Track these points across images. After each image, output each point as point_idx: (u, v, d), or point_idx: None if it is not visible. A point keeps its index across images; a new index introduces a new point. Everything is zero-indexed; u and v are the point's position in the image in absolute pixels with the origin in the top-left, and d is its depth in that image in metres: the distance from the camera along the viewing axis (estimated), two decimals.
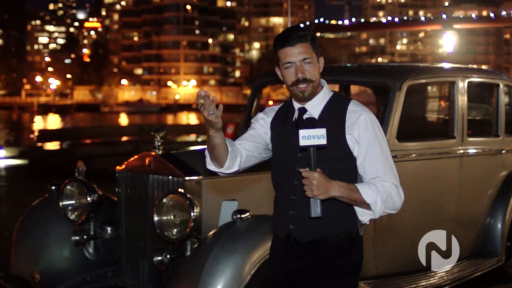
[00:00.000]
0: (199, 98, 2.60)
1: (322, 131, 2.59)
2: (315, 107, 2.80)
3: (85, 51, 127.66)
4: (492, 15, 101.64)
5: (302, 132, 2.59)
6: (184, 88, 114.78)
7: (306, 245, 2.77)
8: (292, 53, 2.74)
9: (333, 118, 2.77)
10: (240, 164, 2.88)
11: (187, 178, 4.17)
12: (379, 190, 2.69)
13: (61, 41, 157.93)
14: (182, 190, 4.09)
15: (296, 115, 2.83)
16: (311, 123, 2.65)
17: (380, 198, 2.69)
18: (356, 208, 2.74)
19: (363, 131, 2.74)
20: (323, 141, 2.59)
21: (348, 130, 2.74)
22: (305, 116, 2.78)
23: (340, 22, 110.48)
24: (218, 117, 2.64)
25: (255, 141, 2.92)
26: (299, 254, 2.78)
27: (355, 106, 2.80)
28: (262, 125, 2.94)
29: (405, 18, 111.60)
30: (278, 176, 2.87)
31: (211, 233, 3.87)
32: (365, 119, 2.75)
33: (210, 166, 2.88)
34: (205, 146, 2.90)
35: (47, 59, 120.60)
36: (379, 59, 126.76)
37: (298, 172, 2.68)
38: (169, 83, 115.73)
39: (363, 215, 2.76)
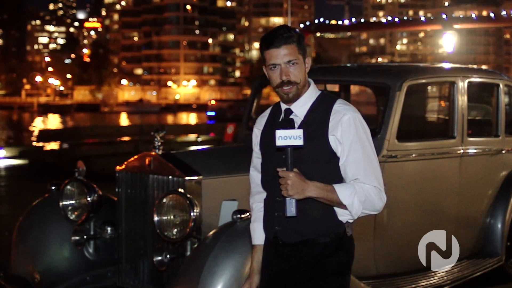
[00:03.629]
0: None
1: (299, 132, 2.59)
2: (300, 108, 2.79)
3: (85, 51, 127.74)
4: (492, 15, 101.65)
5: (279, 133, 2.59)
6: (184, 88, 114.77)
7: (294, 246, 2.76)
8: (277, 55, 2.72)
9: (318, 119, 2.76)
10: None
11: (187, 178, 4.17)
12: (357, 191, 2.67)
13: (61, 41, 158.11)
14: (182, 190, 4.09)
15: (282, 116, 2.83)
16: (288, 124, 2.66)
17: (358, 200, 2.67)
18: (335, 208, 2.73)
19: (346, 131, 2.72)
20: (300, 142, 2.59)
21: (332, 130, 2.72)
22: (290, 117, 2.78)
23: (340, 22, 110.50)
24: None
25: None
26: (287, 255, 2.77)
27: (341, 106, 2.78)
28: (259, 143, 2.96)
29: (405, 18, 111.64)
30: (265, 178, 2.87)
31: (211, 233, 3.86)
32: (348, 119, 2.73)
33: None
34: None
35: (47, 59, 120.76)
36: (379, 59, 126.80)
37: None
38: (169, 83, 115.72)
39: (343, 215, 2.74)
